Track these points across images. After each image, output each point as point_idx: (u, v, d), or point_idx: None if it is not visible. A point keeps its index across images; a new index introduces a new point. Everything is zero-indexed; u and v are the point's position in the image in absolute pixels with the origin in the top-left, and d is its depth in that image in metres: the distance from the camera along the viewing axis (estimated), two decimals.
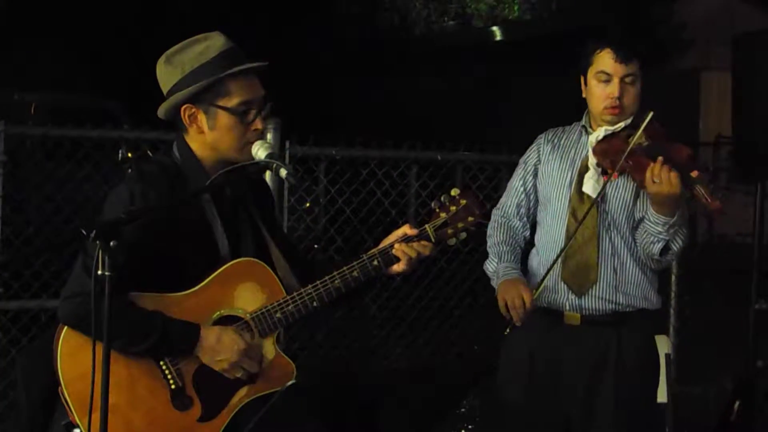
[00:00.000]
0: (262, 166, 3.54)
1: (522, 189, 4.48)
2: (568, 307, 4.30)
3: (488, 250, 4.48)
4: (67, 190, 6.20)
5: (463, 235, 3.63)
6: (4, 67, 13.57)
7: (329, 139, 6.09)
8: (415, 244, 3.59)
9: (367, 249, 3.67)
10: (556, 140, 4.48)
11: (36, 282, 5.87)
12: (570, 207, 4.31)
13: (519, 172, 4.53)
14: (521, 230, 4.49)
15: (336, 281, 3.54)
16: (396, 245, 3.60)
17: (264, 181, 3.92)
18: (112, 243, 3.02)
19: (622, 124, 4.29)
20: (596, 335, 4.29)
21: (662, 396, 5.15)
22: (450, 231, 3.61)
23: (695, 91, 17.55)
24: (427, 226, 3.61)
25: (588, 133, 4.39)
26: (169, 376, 3.44)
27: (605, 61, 4.27)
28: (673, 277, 6.84)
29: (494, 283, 4.36)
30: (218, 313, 3.50)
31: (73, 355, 3.36)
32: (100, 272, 3.01)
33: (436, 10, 19.15)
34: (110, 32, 15.70)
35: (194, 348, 3.43)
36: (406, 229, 3.63)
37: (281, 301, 3.54)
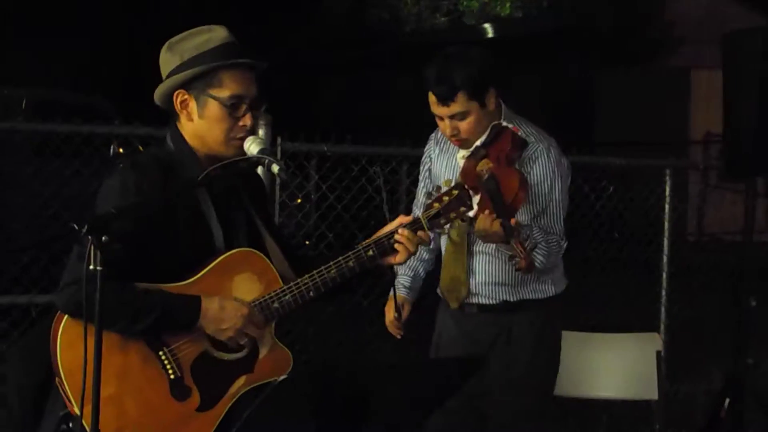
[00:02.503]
0: (254, 162, 3.57)
1: (424, 192, 4.58)
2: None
3: None
4: (56, 185, 6.17)
5: (457, 224, 3.70)
6: None
7: (320, 135, 6.09)
8: (409, 234, 3.61)
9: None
10: (441, 143, 4.56)
11: (26, 277, 5.85)
12: None
13: (421, 176, 4.68)
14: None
15: (332, 271, 3.56)
16: (391, 236, 3.62)
17: (257, 174, 3.93)
18: (104, 238, 3.03)
19: (478, 142, 4.30)
20: (488, 320, 4.47)
21: (653, 393, 5.17)
22: (443, 221, 3.65)
23: (685, 89, 17.58)
24: (420, 216, 3.64)
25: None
26: (168, 366, 3.44)
27: (432, 101, 4.30)
28: (664, 275, 6.85)
29: None
30: (219, 297, 3.50)
31: (72, 345, 3.35)
32: (92, 267, 3.02)
33: (428, 7, 19.13)
34: (102, 28, 15.67)
35: (198, 319, 3.44)
36: (401, 220, 3.66)
37: (278, 290, 3.55)
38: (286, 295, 3.55)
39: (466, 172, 4.24)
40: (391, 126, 10.45)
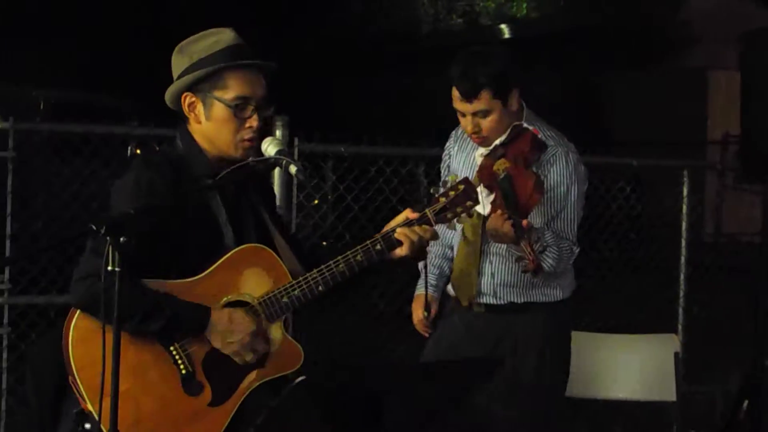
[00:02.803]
0: (271, 163, 3.58)
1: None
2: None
3: None
4: (75, 186, 6.20)
5: (464, 218, 3.70)
6: (13, 63, 13.57)
7: (337, 136, 6.10)
8: (416, 228, 3.63)
9: None
10: (461, 140, 4.59)
11: (44, 278, 5.87)
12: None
13: (442, 173, 4.70)
14: (450, 233, 4.60)
15: (340, 266, 3.57)
16: (398, 229, 3.63)
17: (266, 174, 3.95)
18: (122, 239, 3.05)
19: (497, 141, 4.32)
20: (495, 321, 4.48)
21: (671, 395, 5.15)
22: (449, 215, 3.67)
23: (703, 90, 17.50)
24: (427, 210, 3.66)
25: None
26: (179, 362, 3.46)
27: (455, 97, 4.33)
28: (681, 276, 6.84)
29: None
30: (226, 298, 3.53)
31: (84, 341, 3.37)
32: (110, 268, 3.04)
33: (444, 7, 19.12)
34: (118, 28, 15.71)
35: (205, 330, 3.45)
36: (407, 214, 3.67)
37: (287, 285, 3.56)
38: (295, 289, 3.56)
39: (482, 170, 4.25)
40: (408, 126, 10.46)
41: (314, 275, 3.56)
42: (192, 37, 3.64)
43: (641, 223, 7.46)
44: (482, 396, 4.38)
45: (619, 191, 7.21)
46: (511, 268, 4.42)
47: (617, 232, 7.31)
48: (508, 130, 4.31)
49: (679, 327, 6.76)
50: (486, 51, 4.36)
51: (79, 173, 6.18)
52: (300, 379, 3.04)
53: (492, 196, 4.21)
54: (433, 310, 4.61)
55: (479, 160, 4.35)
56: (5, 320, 5.62)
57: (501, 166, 4.18)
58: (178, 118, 3.69)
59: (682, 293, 6.82)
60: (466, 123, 4.34)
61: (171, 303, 3.42)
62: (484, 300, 4.49)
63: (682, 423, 5.35)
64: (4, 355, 5.63)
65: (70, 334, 3.39)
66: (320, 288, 3.57)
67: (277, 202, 5.66)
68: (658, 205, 7.37)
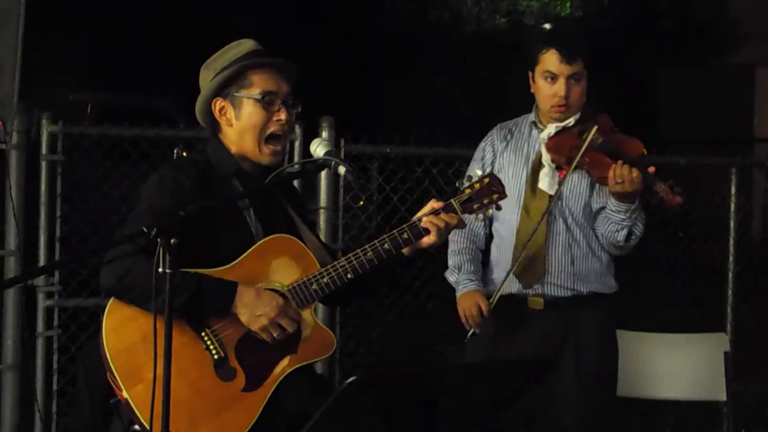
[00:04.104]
0: (320, 164, 3.62)
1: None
2: (531, 293, 4.50)
3: (449, 256, 4.66)
4: (124, 189, 6.24)
5: (489, 210, 3.74)
6: (60, 67, 13.70)
7: (383, 137, 6.10)
8: (442, 215, 3.66)
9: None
10: (508, 135, 4.63)
11: (93, 280, 5.91)
12: (522, 203, 4.47)
13: (477, 169, 4.59)
14: (482, 230, 4.63)
15: (368, 253, 3.61)
16: (424, 218, 3.67)
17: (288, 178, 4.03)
18: (173, 240, 3.08)
19: (572, 120, 4.45)
20: (557, 317, 4.47)
21: (721, 394, 5.12)
22: (475, 206, 3.72)
23: (750, 87, 17.38)
24: (452, 200, 3.70)
25: (538, 129, 4.54)
26: (211, 347, 3.49)
27: (551, 61, 4.42)
28: (730, 275, 6.79)
29: (456, 293, 4.58)
30: (256, 286, 3.57)
31: (117, 329, 3.43)
32: (161, 270, 3.07)
33: (488, 7, 19.09)
34: (165, 30, 15.80)
35: (232, 304, 3.48)
36: (433, 203, 3.71)
37: (316, 273, 3.61)
38: (324, 277, 3.60)
39: (558, 145, 4.38)
40: (454, 126, 10.45)
41: (342, 263, 3.61)
42: (215, 54, 3.77)
43: (690, 221, 7.39)
44: (543, 395, 4.36)
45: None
46: (579, 253, 4.47)
47: (666, 230, 7.27)
48: (580, 113, 4.44)
49: (729, 326, 6.71)
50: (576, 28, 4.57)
51: (127, 176, 6.22)
52: (352, 379, 3.04)
53: (558, 174, 4.28)
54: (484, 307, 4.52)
55: (545, 139, 4.44)
56: (55, 323, 5.67)
57: (595, 134, 4.32)
58: (210, 132, 3.79)
59: (730, 292, 6.77)
60: (558, 88, 4.41)
61: (197, 278, 3.48)
62: (545, 290, 4.47)
63: (734, 422, 5.31)
64: (55, 357, 5.68)
65: (103, 324, 3.44)
66: (349, 275, 3.61)
67: (323, 203, 5.71)
68: (707, 203, 7.30)
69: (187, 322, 3.49)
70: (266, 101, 3.65)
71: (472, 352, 4.57)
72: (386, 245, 3.62)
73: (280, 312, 3.52)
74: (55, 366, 5.68)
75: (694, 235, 7.51)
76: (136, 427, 3.47)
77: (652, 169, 4.23)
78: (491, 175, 3.77)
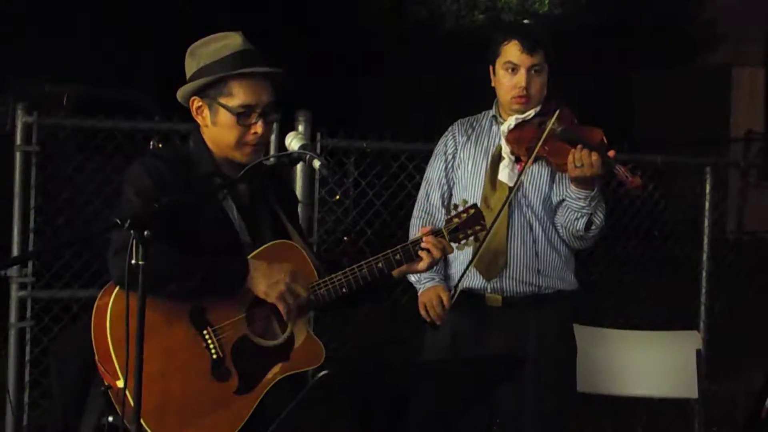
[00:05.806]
0: (295, 157, 3.62)
1: (445, 180, 4.64)
2: (489, 290, 4.49)
3: None
4: (99, 181, 6.23)
5: (471, 240, 3.85)
6: (35, 58, 13.64)
7: (359, 131, 6.10)
8: (435, 240, 3.74)
9: (397, 242, 3.81)
10: (470, 130, 4.64)
11: (67, 272, 5.89)
12: (482, 195, 4.46)
13: (438, 163, 4.68)
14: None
15: (363, 270, 3.68)
16: (425, 238, 3.74)
17: (284, 172, 4.03)
18: (146, 233, 3.07)
19: (531, 112, 4.46)
20: (516, 317, 4.46)
21: (693, 392, 5.14)
22: (461, 236, 3.81)
23: (726, 87, 17.46)
24: (443, 229, 3.79)
25: (498, 123, 4.55)
26: (211, 346, 3.50)
27: (512, 52, 4.42)
28: (704, 274, 6.82)
29: (418, 291, 4.56)
30: None
31: (122, 318, 3.39)
32: (134, 261, 3.07)
33: (466, 4, 19.13)
34: (140, 23, 15.76)
35: (248, 274, 3.52)
36: (425, 230, 3.79)
37: (314, 283, 3.66)
38: (320, 288, 3.66)
39: (519, 137, 4.40)
40: (430, 122, 10.45)
41: (339, 277, 3.67)
42: (202, 40, 3.71)
43: (664, 220, 7.43)
44: (507, 393, 4.36)
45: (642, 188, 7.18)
46: (542, 249, 4.47)
47: (640, 229, 7.30)
48: (540, 105, 4.45)
49: (702, 324, 6.74)
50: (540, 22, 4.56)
51: (102, 168, 6.21)
52: (323, 373, 3.05)
53: (518, 167, 4.35)
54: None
55: (505, 132, 4.46)
56: (28, 314, 5.65)
57: (554, 124, 4.36)
58: (194, 126, 3.78)
59: (704, 290, 6.80)
60: (518, 79, 4.41)
61: (209, 258, 3.50)
62: (505, 286, 4.47)
63: (705, 421, 5.33)
64: (27, 349, 5.66)
65: (108, 310, 3.42)
66: (344, 290, 3.67)
67: (299, 198, 5.69)
68: (681, 202, 7.34)
69: (190, 318, 3.49)
70: (243, 116, 3.61)
71: (430, 346, 4.58)
72: (380, 264, 3.69)
73: (293, 276, 3.57)
74: (27, 357, 5.66)
75: (668, 234, 7.55)
76: (110, 418, 3.46)
77: (611, 153, 4.24)
78: (475, 207, 3.83)
